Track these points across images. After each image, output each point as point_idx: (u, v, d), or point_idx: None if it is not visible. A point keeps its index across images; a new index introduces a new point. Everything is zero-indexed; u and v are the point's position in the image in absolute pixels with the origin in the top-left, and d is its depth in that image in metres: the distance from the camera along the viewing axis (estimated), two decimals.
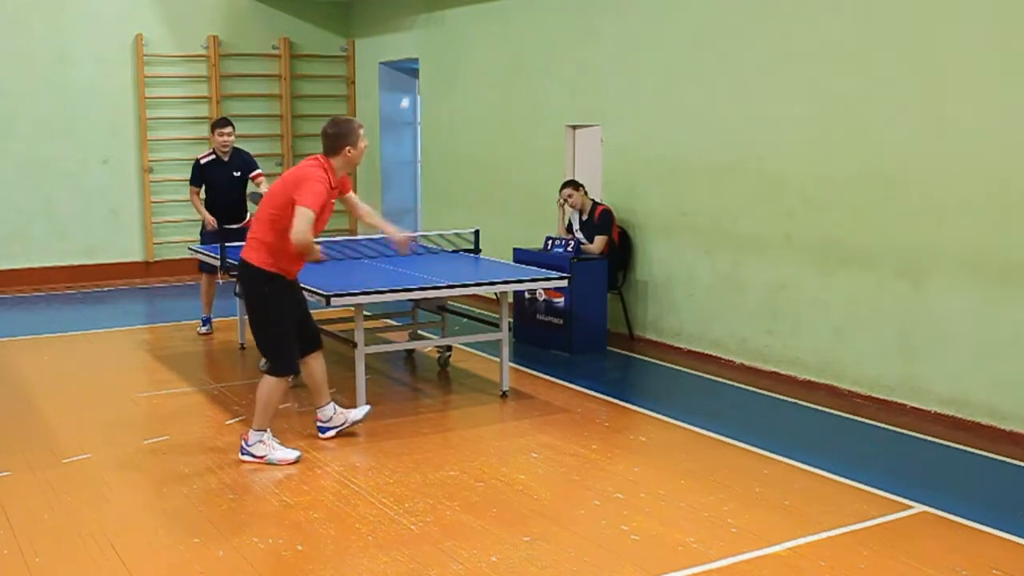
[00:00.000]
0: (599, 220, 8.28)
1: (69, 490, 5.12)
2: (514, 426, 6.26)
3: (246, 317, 8.71)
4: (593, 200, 8.43)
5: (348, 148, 5.47)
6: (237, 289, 8.12)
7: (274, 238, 5.38)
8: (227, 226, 8.51)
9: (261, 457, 5.50)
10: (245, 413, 6.40)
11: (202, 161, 8.69)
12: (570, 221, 8.59)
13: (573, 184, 8.42)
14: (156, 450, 5.77)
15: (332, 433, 5.94)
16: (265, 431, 5.55)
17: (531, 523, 4.69)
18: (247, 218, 8.60)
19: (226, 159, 8.65)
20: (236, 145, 8.74)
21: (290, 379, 5.65)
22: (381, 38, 12.30)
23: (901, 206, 6.38)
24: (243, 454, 5.54)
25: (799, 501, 4.95)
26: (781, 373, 7.28)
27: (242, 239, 5.93)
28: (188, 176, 8.81)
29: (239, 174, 8.66)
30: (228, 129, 8.64)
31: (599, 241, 8.24)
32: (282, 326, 5.54)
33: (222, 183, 8.65)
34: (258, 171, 8.73)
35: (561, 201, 8.50)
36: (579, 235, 8.38)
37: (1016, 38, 5.73)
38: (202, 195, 8.75)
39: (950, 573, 4.18)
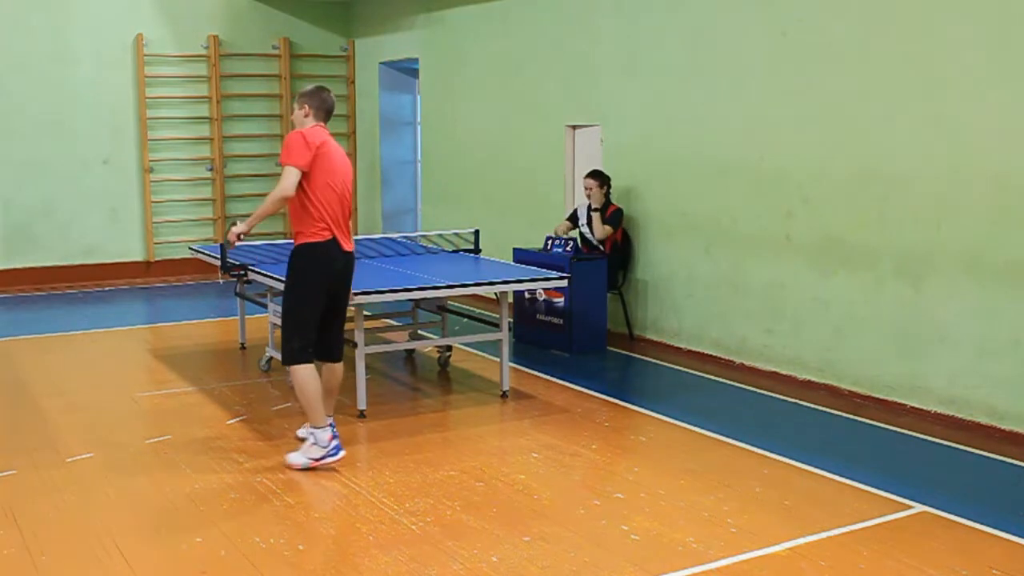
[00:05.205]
0: (610, 216, 8.27)
1: (73, 489, 5.13)
2: (514, 426, 6.27)
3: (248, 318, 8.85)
4: (607, 198, 8.40)
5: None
6: (238, 288, 8.14)
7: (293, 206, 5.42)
8: None
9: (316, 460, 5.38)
10: (246, 413, 6.42)
11: None
12: (576, 211, 8.58)
13: (597, 176, 8.32)
14: (158, 450, 5.78)
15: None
16: (321, 428, 5.38)
17: (531, 523, 4.70)
18: None
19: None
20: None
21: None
22: (381, 38, 12.30)
23: (901, 206, 6.39)
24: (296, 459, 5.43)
25: (799, 501, 4.97)
26: (781, 373, 7.29)
27: None
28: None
29: None
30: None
31: (606, 229, 8.22)
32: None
33: None
34: None
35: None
36: (584, 229, 8.38)
37: (1015, 38, 5.74)
38: None
39: (950, 573, 4.19)
